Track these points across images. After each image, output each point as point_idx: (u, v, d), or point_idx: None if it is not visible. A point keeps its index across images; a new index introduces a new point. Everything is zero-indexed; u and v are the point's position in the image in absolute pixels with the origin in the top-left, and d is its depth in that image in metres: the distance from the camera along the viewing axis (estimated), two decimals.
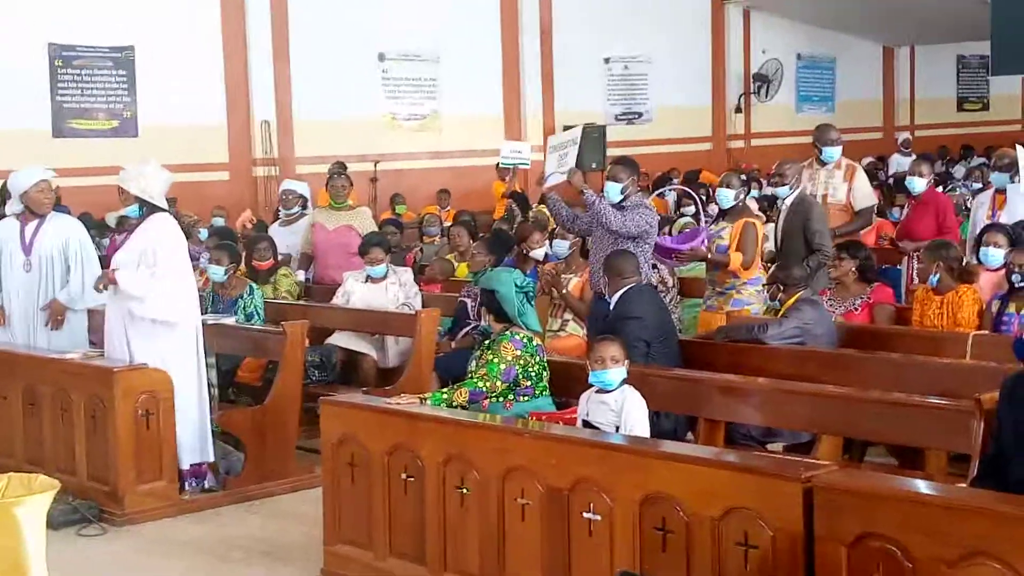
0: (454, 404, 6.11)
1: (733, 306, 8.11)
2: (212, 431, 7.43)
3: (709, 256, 8.20)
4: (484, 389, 6.20)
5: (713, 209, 10.29)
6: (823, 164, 9.09)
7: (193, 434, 7.27)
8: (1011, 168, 9.07)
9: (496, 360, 6.25)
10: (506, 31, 18.23)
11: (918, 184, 9.35)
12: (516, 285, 6.45)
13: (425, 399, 6.14)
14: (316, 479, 6.81)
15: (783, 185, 8.50)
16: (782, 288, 7.15)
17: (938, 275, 7.46)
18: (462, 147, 17.49)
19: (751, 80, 21.57)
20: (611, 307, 7.07)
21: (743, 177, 8.92)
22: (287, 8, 15.91)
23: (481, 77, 17.80)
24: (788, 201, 8.47)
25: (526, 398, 6.33)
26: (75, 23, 14.32)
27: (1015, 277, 7.17)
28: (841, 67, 23.31)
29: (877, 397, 5.83)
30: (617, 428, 5.76)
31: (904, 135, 21.23)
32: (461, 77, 17.47)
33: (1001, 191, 9.15)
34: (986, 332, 7.05)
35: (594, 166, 18.60)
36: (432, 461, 5.46)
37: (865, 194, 9.21)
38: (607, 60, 19.67)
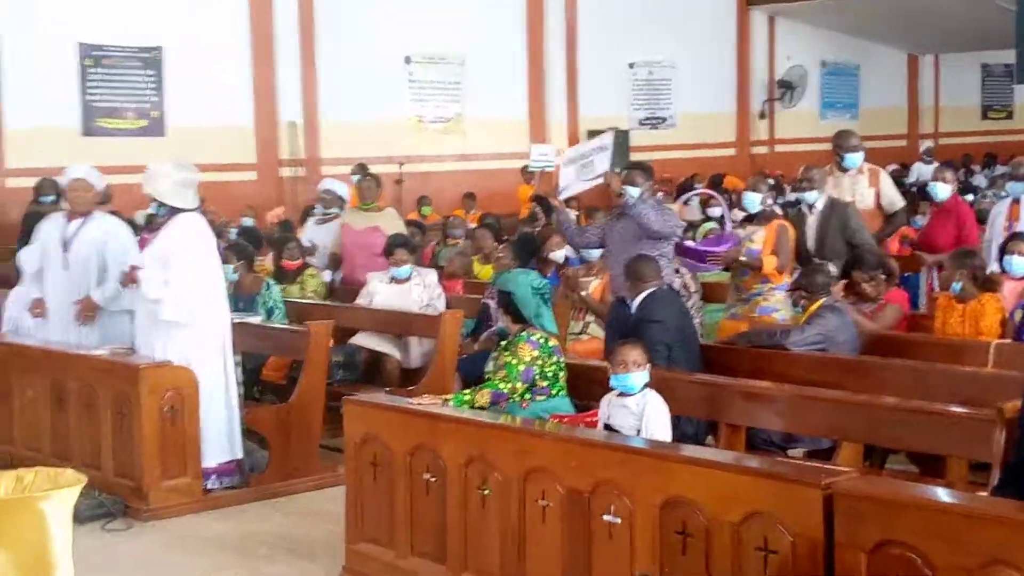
0: (476, 405, 6.16)
1: (760, 313, 8.06)
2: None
3: (743, 258, 8.18)
4: (506, 391, 6.25)
5: (737, 215, 10.26)
6: (844, 171, 9.07)
7: (220, 432, 7.33)
8: (1020, 179, 9.05)
9: (515, 361, 6.29)
10: (532, 35, 18.26)
11: (942, 190, 9.31)
12: (532, 287, 6.50)
13: (447, 400, 6.19)
14: (339, 478, 6.86)
15: (812, 190, 8.49)
16: (805, 294, 7.15)
17: (961, 283, 7.46)
18: (487, 150, 17.52)
19: (775, 86, 21.54)
20: (633, 311, 7.09)
21: (771, 182, 8.89)
22: (314, 10, 15.98)
23: (506, 81, 17.84)
24: (819, 205, 8.46)
25: (543, 397, 6.37)
26: (105, 23, 14.43)
27: None
28: (865, 74, 23.26)
29: (898, 404, 5.83)
30: (638, 432, 5.79)
31: (927, 143, 21.19)
32: (487, 81, 17.51)
33: (1018, 200, 9.13)
34: (1008, 341, 7.04)
35: (617, 171, 18.62)
36: (454, 462, 5.49)
37: (895, 197, 9.19)
38: (632, 65, 19.68)
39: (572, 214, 10.78)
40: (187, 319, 7.18)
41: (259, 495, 7.41)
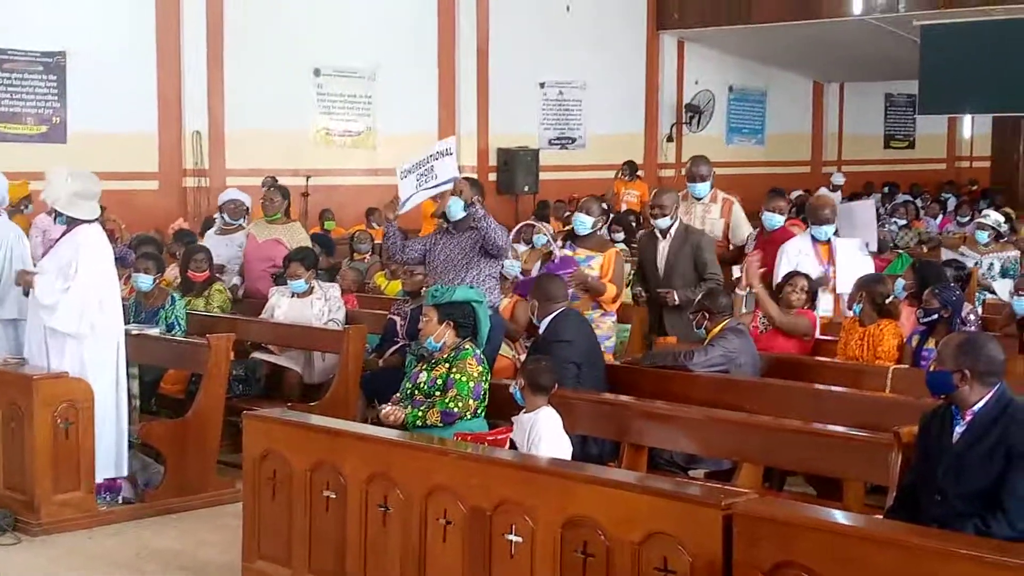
0: (428, 424, 6.17)
1: None
2: (130, 443, 7.35)
3: (588, 280, 8.08)
4: (457, 410, 6.23)
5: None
6: (698, 198, 9.08)
7: (109, 448, 7.18)
8: (831, 221, 8.76)
9: (464, 378, 6.28)
10: (443, 51, 18.25)
11: (778, 220, 9.14)
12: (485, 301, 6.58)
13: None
14: (236, 494, 6.76)
15: (664, 216, 8.42)
16: (708, 316, 7.21)
17: (861, 305, 7.61)
18: (396, 165, 17.42)
19: (683, 110, 21.77)
20: (541, 330, 7.10)
21: (604, 206, 8.86)
22: (223, 19, 15.79)
23: (417, 96, 17.78)
24: (673, 230, 8.42)
25: (468, 416, 6.34)
26: (6, 26, 14.11)
27: (919, 313, 7.36)
28: (772, 100, 23.59)
29: (798, 427, 5.91)
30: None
31: (839, 177, 21.40)
32: (397, 96, 17.44)
33: (827, 241, 8.76)
34: (906, 366, 7.16)
35: (526, 189, 18.69)
36: (355, 478, 5.44)
37: (743, 232, 9.18)
38: (542, 84, 19.75)
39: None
40: (76, 330, 7.03)
41: (154, 511, 7.27)
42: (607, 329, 8.21)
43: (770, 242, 9.01)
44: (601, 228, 8.41)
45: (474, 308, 6.49)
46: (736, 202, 9.30)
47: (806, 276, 8.11)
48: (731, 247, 9.18)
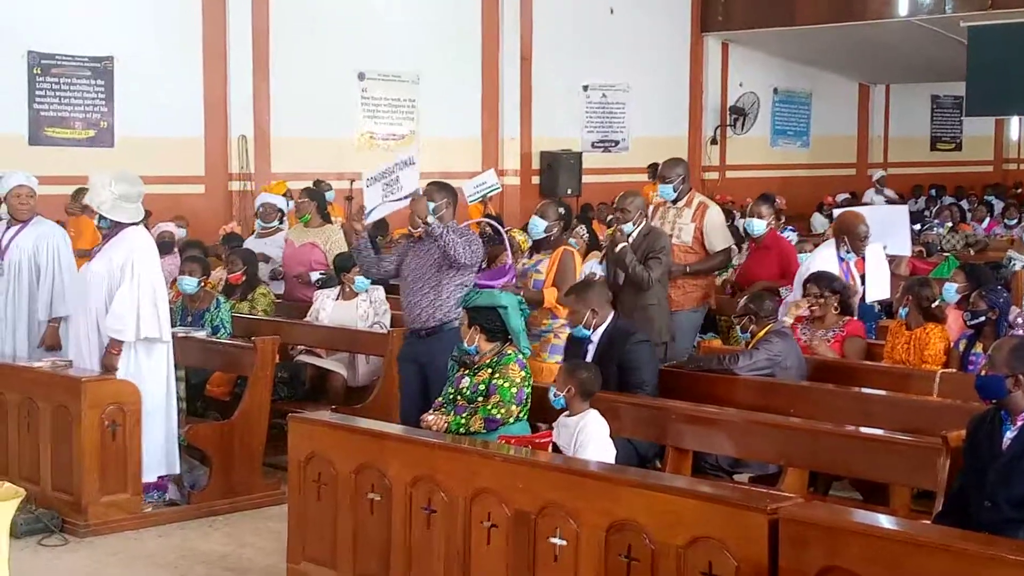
0: (472, 431, 6.12)
1: (551, 354, 7.67)
2: (179, 444, 7.41)
3: (522, 294, 7.50)
4: (499, 416, 6.16)
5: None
6: (675, 202, 8.72)
7: (160, 447, 7.24)
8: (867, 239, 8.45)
9: (507, 384, 6.22)
10: (486, 55, 18.26)
11: (757, 226, 8.95)
12: (518, 303, 6.52)
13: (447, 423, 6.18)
14: (281, 496, 6.80)
15: (626, 221, 8.09)
16: (753, 320, 7.16)
17: (907, 309, 7.56)
18: (439, 169, 17.45)
19: (727, 112, 21.67)
20: (596, 337, 6.83)
21: (562, 210, 8.57)
22: (268, 24, 15.88)
23: (460, 100, 17.81)
24: (636, 233, 8.08)
25: (512, 420, 6.31)
26: (55, 32, 14.25)
27: (966, 315, 7.29)
28: (817, 102, 23.43)
29: (843, 431, 5.86)
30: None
31: (879, 172, 21.34)
32: (440, 99, 17.48)
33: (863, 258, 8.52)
34: (954, 371, 7.10)
35: (569, 192, 18.67)
36: (399, 481, 5.45)
37: (720, 236, 8.69)
38: (586, 87, 19.73)
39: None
40: (159, 333, 7.11)
41: (199, 512, 7.32)
42: (566, 340, 7.41)
43: (761, 248, 8.94)
44: (556, 232, 8.20)
45: (499, 313, 6.41)
46: (713, 206, 8.87)
47: (823, 283, 7.72)
48: (706, 255, 8.69)
